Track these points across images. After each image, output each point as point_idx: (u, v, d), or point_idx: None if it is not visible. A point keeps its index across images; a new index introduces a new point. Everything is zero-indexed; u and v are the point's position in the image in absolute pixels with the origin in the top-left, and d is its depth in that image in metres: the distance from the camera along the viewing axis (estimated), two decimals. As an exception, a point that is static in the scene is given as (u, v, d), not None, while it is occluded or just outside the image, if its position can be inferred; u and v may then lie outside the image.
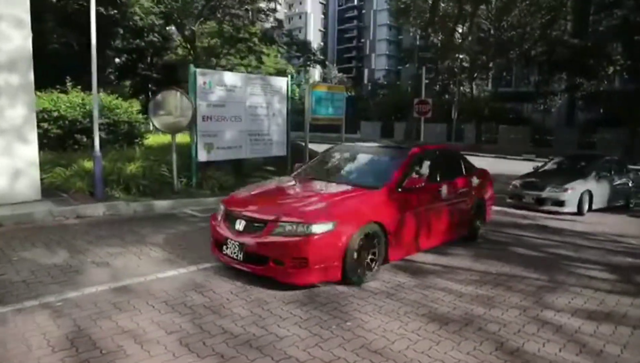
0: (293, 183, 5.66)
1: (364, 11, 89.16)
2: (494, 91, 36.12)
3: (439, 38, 19.10)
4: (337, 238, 4.16)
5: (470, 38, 19.54)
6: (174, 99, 8.93)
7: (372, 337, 3.38)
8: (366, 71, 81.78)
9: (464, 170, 6.57)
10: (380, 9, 77.25)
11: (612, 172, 10.54)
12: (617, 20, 26.04)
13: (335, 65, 78.66)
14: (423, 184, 5.18)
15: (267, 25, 17.45)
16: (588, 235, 7.56)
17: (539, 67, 35.55)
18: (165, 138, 12.14)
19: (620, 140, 29.37)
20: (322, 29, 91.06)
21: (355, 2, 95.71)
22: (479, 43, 36.02)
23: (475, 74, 34.99)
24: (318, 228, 4.10)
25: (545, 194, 9.61)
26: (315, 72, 77.85)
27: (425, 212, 5.33)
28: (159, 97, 8.98)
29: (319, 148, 16.85)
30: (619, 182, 10.57)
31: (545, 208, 9.49)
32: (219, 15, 17.71)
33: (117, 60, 24.92)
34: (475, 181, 6.65)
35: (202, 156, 9.34)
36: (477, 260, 5.60)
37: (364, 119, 49.49)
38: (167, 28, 21.97)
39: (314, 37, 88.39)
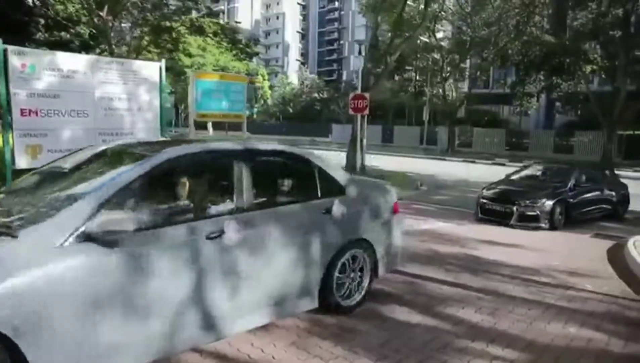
0: None
1: (342, 12, 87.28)
2: (468, 93, 34.17)
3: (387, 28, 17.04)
4: None
5: (421, 30, 17.34)
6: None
7: None
8: (345, 73, 79.69)
9: None
10: (359, 10, 75.47)
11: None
12: (593, 15, 24.19)
13: (307, 66, 76.57)
14: None
15: (196, 15, 15.21)
16: (530, 273, 5.27)
17: (515, 67, 33.78)
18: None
19: (599, 143, 27.65)
20: (300, 31, 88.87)
21: (337, 4, 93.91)
22: (452, 41, 34.16)
23: (448, 74, 32.96)
24: None
25: None
26: (294, 75, 75.85)
27: None
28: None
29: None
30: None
31: None
32: (129, 5, 15.30)
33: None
34: None
35: (23, 161, 6.91)
36: (302, 344, 3.24)
37: (335, 122, 47.46)
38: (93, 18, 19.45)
39: (292, 39, 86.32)
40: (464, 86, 37.94)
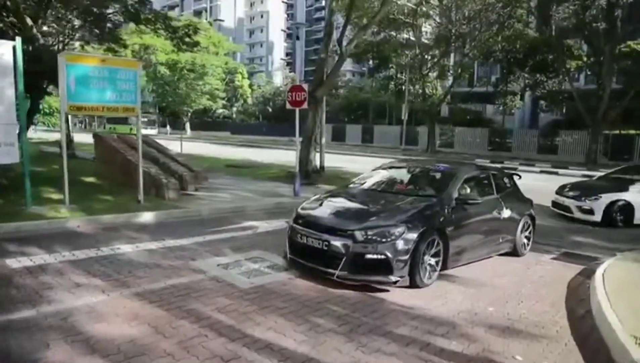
0: None
1: (326, 10, 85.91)
2: (449, 90, 32.63)
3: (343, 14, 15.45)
4: None
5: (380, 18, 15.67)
6: None
7: None
8: (331, 73, 78.10)
9: None
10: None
11: None
12: (576, 6, 22.71)
13: (287, 65, 74.99)
14: None
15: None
16: (441, 332, 3.57)
17: (499, 64, 32.36)
18: None
19: (584, 143, 26.22)
20: (285, 29, 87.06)
21: (324, 3, 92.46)
22: (432, 36, 32.61)
23: (427, 71, 31.39)
24: None
25: None
26: (279, 74, 74.20)
27: None
28: None
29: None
30: None
31: None
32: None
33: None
34: None
35: None
36: None
37: (316, 122, 45.84)
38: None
39: (277, 38, 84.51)
40: (446, 84, 36.51)
